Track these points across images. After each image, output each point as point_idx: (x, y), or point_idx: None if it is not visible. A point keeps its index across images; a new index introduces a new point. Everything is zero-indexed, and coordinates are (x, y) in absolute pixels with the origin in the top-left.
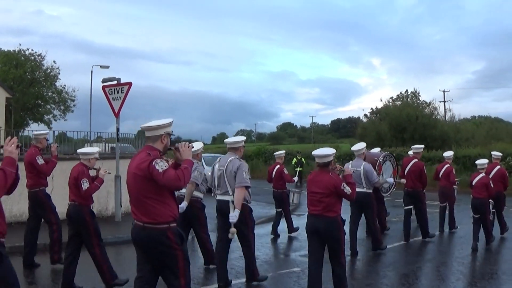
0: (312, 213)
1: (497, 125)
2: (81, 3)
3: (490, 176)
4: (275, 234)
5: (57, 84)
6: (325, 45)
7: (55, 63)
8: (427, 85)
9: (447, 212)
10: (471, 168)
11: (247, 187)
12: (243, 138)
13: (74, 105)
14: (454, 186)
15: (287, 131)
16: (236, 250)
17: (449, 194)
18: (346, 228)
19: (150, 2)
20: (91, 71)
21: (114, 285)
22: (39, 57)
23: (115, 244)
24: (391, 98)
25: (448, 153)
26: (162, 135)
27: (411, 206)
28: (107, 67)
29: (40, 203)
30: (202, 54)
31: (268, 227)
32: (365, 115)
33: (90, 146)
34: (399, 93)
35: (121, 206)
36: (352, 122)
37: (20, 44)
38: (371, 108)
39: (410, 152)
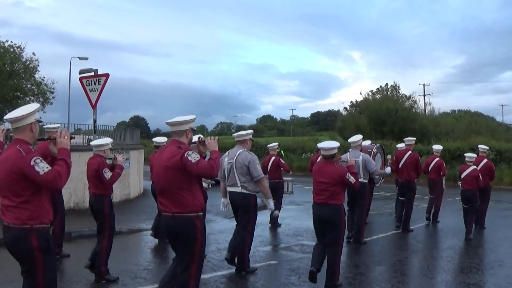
0: (317, 201)
1: (476, 119)
2: None
3: (478, 168)
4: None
5: (36, 76)
6: (305, 38)
7: (35, 55)
8: (407, 79)
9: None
10: (451, 161)
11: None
12: (250, 131)
13: (53, 97)
14: (443, 177)
15: (267, 123)
16: (213, 243)
17: (438, 186)
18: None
19: None
20: (70, 63)
21: (104, 280)
22: (19, 49)
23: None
24: (371, 91)
25: (437, 147)
26: (187, 130)
27: (405, 198)
28: (86, 58)
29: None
30: (182, 46)
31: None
32: (345, 108)
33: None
34: (379, 87)
35: None
36: (331, 115)
37: None
38: (351, 101)
39: (400, 145)
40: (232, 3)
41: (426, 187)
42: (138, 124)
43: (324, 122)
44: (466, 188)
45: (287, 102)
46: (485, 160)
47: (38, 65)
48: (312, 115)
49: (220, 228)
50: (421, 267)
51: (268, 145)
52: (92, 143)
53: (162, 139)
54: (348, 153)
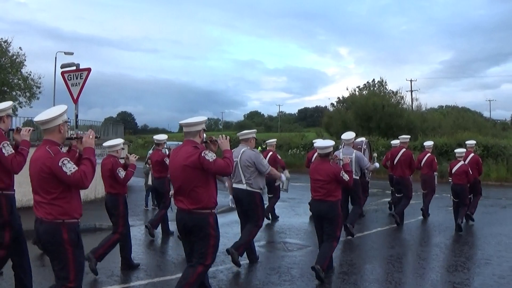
0: (315, 198)
1: (463, 115)
2: None
3: (466, 163)
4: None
5: (23, 71)
6: (293, 34)
7: (21, 50)
8: (394, 74)
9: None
10: (438, 157)
11: (261, 173)
12: (254, 130)
13: (39, 92)
14: (435, 173)
15: (254, 119)
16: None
17: (430, 182)
18: None
19: None
20: (55, 58)
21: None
22: (5, 44)
23: (85, 231)
24: (358, 87)
25: (428, 143)
26: (200, 131)
27: (402, 194)
28: (71, 53)
29: None
30: (169, 42)
31: (231, 217)
32: (332, 104)
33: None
34: (366, 82)
35: None
36: (319, 111)
37: None
38: (338, 98)
39: (394, 142)
40: None
41: (419, 183)
42: (125, 120)
43: (312, 118)
44: (456, 183)
45: (275, 98)
46: (472, 154)
47: (25, 60)
48: (300, 111)
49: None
50: (405, 265)
51: (267, 141)
52: (105, 144)
53: (162, 137)
54: (340, 150)
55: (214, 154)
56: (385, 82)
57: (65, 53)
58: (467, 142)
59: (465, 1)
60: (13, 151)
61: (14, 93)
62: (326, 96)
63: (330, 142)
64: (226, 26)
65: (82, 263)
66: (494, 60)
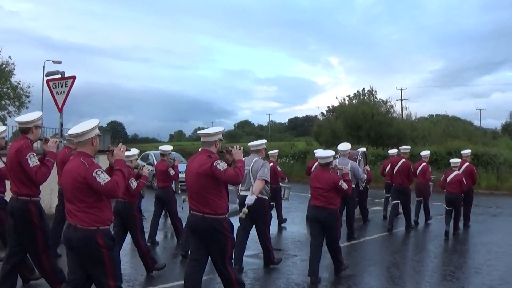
0: (315, 204)
1: (453, 123)
2: None
3: (460, 172)
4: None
5: (12, 80)
6: (283, 43)
7: (11, 59)
8: (385, 84)
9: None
10: None
11: (266, 182)
12: (264, 141)
13: (29, 101)
14: (430, 183)
15: (245, 129)
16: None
17: (425, 190)
18: None
19: None
20: (43, 67)
21: (155, 269)
22: None
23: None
24: (348, 96)
25: (425, 152)
26: (216, 141)
27: (399, 201)
28: (60, 62)
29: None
30: (160, 51)
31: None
32: (322, 113)
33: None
34: (356, 92)
35: None
36: (309, 121)
37: None
38: (328, 107)
39: (392, 151)
40: (210, 9)
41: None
42: (115, 129)
43: (302, 127)
44: (451, 191)
45: (265, 108)
46: (467, 163)
47: (14, 69)
48: (290, 120)
49: None
50: (392, 275)
51: (269, 152)
52: None
53: (167, 148)
54: (336, 160)
55: (226, 164)
56: (375, 91)
57: (53, 61)
58: (462, 151)
59: (456, 10)
60: (39, 162)
61: (3, 102)
62: (317, 105)
63: (330, 153)
64: (216, 35)
65: (118, 263)
66: (485, 69)
